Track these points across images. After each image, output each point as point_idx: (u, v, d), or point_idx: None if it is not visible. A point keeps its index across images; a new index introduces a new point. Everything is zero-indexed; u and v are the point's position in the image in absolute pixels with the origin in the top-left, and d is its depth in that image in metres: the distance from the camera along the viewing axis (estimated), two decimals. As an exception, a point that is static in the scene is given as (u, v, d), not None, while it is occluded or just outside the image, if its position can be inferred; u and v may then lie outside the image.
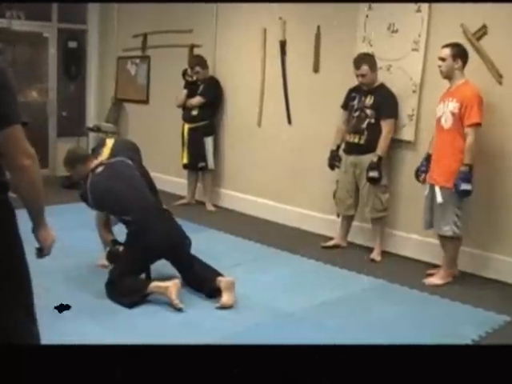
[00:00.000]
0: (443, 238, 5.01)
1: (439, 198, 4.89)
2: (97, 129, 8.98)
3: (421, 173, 5.18)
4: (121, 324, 3.99)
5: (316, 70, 6.34)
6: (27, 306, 2.54)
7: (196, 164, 7.27)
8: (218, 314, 4.19)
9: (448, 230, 4.90)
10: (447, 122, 4.83)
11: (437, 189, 4.92)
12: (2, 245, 2.44)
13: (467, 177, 4.73)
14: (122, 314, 4.13)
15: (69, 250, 5.42)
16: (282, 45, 6.65)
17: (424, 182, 5.15)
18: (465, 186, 4.74)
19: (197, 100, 7.13)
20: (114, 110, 9.05)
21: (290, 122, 6.67)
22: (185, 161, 7.35)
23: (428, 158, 5.11)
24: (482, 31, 5.06)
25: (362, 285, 4.95)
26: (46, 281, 4.29)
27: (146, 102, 8.58)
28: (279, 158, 6.80)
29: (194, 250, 4.65)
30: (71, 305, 4.06)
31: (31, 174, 2.46)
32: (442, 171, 4.89)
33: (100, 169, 4.64)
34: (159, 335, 3.76)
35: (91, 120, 9.42)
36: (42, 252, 2.65)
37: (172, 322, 4.04)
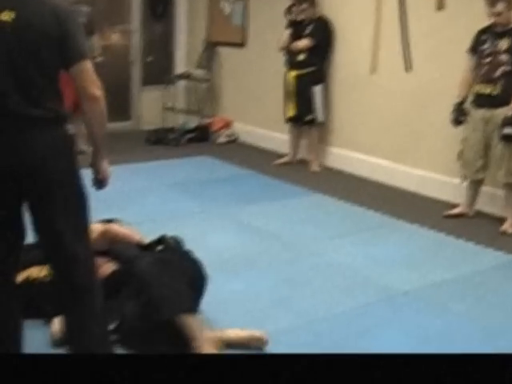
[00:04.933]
0: None
1: None
2: (187, 76, 9.21)
3: None
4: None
5: (440, 7, 6.26)
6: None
7: (302, 117, 7.31)
8: (325, 291, 4.33)
9: None
10: None
11: None
12: (70, 173, 2.97)
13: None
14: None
15: (156, 213, 5.71)
16: (401, -22, 6.60)
17: None
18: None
19: (304, 43, 7.14)
20: (206, 55, 9.22)
21: (408, 69, 6.63)
22: (290, 113, 7.40)
23: None
24: None
25: (492, 261, 4.95)
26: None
27: (242, 44, 8.70)
28: (395, 110, 6.79)
29: (293, 218, 4.76)
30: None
31: (102, 103, 2.96)
32: None
33: None
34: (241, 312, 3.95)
35: (180, 66, 9.65)
36: (102, 183, 3.15)
37: (267, 299, 4.21)
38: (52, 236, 3.01)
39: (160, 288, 3.39)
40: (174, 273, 3.53)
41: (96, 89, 2.93)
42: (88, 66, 2.91)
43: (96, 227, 3.88)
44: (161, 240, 3.88)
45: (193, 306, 3.51)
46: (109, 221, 4.02)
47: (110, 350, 3.23)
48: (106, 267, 3.75)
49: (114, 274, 3.72)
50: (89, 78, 2.92)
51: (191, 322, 3.38)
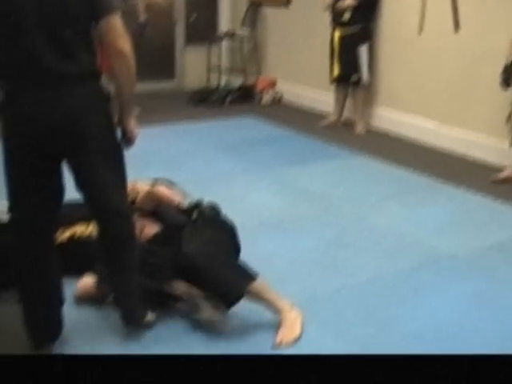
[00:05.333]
0: None
1: None
2: (231, 35, 9.18)
3: None
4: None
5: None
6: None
7: (348, 77, 7.26)
8: (370, 254, 4.33)
9: None
10: None
11: None
12: (107, 128, 3.02)
13: None
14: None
15: (200, 174, 5.74)
16: None
17: None
18: None
19: (348, 2, 7.04)
20: (251, 13, 9.17)
21: (457, 29, 6.52)
22: (335, 73, 7.35)
23: None
24: None
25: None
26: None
27: (286, 3, 8.63)
28: (443, 72, 6.70)
29: (338, 180, 4.74)
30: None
31: (130, 58, 2.96)
32: None
33: None
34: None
35: (224, 25, 9.62)
36: (129, 142, 3.17)
37: (310, 261, 4.22)
38: (93, 189, 3.08)
39: (217, 277, 3.30)
40: (220, 250, 3.50)
41: (124, 43, 2.92)
42: (116, 20, 2.90)
43: (142, 187, 3.93)
44: (197, 205, 3.85)
45: (250, 273, 3.42)
46: (155, 181, 4.02)
47: (143, 305, 3.34)
48: (150, 228, 3.80)
49: (156, 236, 3.76)
50: (117, 32, 2.90)
51: (259, 289, 3.35)
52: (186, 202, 3.95)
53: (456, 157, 6.49)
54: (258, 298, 3.34)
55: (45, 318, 3.17)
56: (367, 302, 3.71)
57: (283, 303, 3.39)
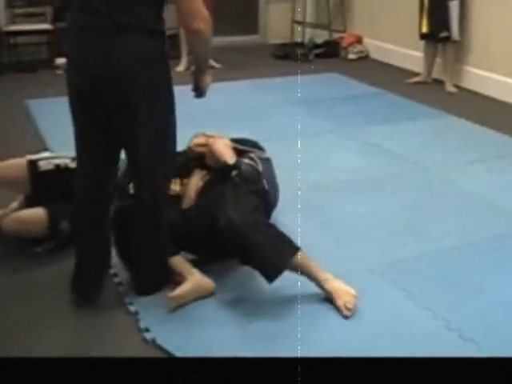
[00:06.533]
0: None
1: None
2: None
3: None
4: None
5: None
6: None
7: (437, 33, 7.07)
8: (455, 219, 4.22)
9: None
10: None
11: None
12: (156, 89, 3.02)
13: None
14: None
15: (281, 130, 5.72)
16: None
17: None
18: None
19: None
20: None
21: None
22: (424, 29, 7.19)
23: None
24: None
25: None
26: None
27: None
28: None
29: (424, 141, 4.64)
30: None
31: (205, 37, 3.01)
32: None
33: None
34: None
35: (309, -23, 9.46)
36: (201, 93, 3.32)
37: (392, 225, 4.15)
38: (128, 151, 3.14)
39: (258, 249, 3.18)
40: (262, 218, 3.44)
41: (200, 22, 2.94)
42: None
43: (199, 139, 3.91)
44: (235, 166, 3.71)
45: (293, 245, 3.31)
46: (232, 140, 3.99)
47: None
48: (199, 177, 3.80)
49: (203, 190, 3.73)
50: (192, 9, 2.92)
51: (300, 261, 3.25)
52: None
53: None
54: (302, 270, 3.24)
55: (91, 272, 3.29)
56: (452, 268, 3.62)
57: (326, 274, 3.28)
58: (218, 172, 3.74)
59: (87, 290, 3.29)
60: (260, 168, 3.76)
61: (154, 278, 3.33)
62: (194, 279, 3.30)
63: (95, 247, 3.26)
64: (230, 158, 3.74)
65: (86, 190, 3.19)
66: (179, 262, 3.38)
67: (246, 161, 3.76)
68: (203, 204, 3.60)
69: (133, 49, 2.90)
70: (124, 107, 2.97)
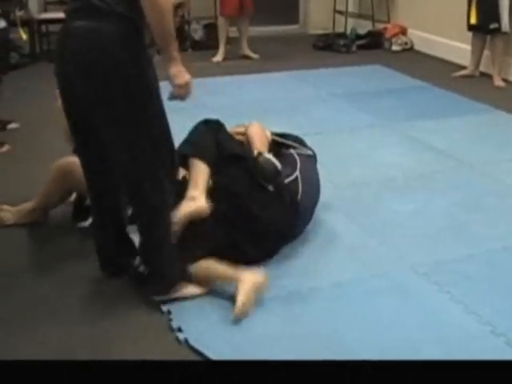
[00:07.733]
0: None
1: None
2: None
3: None
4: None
5: None
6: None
7: (486, 25, 6.95)
8: (505, 218, 4.11)
9: None
10: None
11: None
12: (125, 81, 2.83)
13: None
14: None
15: (322, 123, 5.66)
16: None
17: None
18: None
19: None
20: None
21: None
22: (472, 20, 7.07)
23: None
24: None
25: None
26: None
27: None
28: None
29: (472, 136, 4.54)
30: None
31: (160, 5, 2.73)
32: None
33: None
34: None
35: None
36: (172, 94, 2.94)
37: (438, 224, 4.05)
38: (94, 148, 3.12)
39: None
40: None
41: None
42: None
43: (239, 128, 3.88)
44: (255, 159, 3.58)
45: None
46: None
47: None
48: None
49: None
50: None
51: None
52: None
53: None
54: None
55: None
56: (501, 271, 3.52)
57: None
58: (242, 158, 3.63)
59: (107, 269, 3.38)
60: (279, 167, 3.58)
61: (163, 279, 3.21)
62: (247, 279, 3.16)
63: (109, 231, 3.32)
64: (259, 146, 3.65)
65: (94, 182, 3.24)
66: (215, 265, 3.28)
67: (267, 156, 3.60)
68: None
69: (106, 31, 2.79)
70: (85, 95, 2.89)
